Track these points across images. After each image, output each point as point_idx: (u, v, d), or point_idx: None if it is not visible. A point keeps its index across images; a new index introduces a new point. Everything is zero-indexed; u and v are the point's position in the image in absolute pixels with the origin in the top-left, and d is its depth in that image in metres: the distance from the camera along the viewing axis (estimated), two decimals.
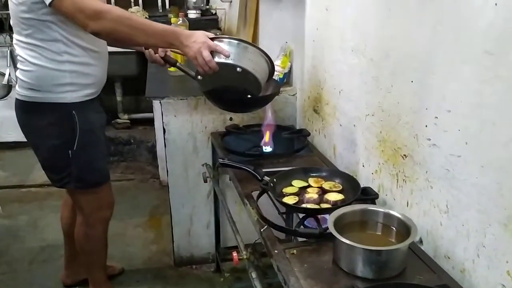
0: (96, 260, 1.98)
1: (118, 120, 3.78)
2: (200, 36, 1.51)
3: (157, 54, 1.79)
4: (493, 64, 0.96)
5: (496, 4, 0.94)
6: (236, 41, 1.57)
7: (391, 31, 1.33)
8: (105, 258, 2.02)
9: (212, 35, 1.56)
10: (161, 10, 3.86)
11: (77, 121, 1.68)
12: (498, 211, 0.98)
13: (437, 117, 1.16)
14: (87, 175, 1.77)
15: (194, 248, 2.31)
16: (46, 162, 1.78)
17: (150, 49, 1.80)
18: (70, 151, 1.70)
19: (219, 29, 3.61)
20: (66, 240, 2.11)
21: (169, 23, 2.56)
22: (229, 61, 1.53)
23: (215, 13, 3.70)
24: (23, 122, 1.73)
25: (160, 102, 2.04)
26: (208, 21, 3.62)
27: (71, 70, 1.64)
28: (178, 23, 2.59)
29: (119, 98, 3.80)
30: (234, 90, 1.61)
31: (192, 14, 3.54)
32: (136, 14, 3.58)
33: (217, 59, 1.52)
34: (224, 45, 1.54)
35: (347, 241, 1.07)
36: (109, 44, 1.77)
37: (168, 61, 1.83)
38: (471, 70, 1.02)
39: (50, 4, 1.49)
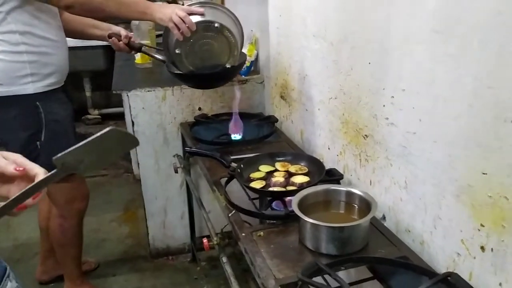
0: (72, 253, 1.98)
1: (89, 116, 3.74)
2: (171, 4, 1.53)
3: (121, 42, 1.79)
4: (442, 43, 0.99)
5: None
6: (207, 4, 1.60)
7: (348, 15, 1.36)
8: (80, 251, 2.02)
9: None
10: None
11: (42, 112, 1.66)
12: (451, 183, 1.03)
13: (393, 97, 1.20)
14: None
15: (170, 239, 2.32)
16: None
17: (113, 38, 1.80)
18: (38, 143, 1.68)
19: None
20: (43, 235, 2.09)
21: None
22: (205, 18, 1.55)
23: (183, 5, 3.68)
24: None
25: (127, 95, 2.04)
26: None
27: (30, 60, 1.62)
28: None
29: (88, 94, 3.75)
30: (213, 56, 1.61)
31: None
32: None
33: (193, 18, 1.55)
34: (195, 7, 1.59)
35: (310, 220, 1.10)
36: (83, 15, 1.76)
37: (133, 47, 1.84)
38: (422, 49, 1.06)
39: None
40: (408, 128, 1.15)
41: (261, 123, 1.98)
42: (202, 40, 1.62)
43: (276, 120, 1.96)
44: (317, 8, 1.55)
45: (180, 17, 1.54)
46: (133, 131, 2.08)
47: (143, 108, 2.07)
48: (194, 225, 2.28)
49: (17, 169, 0.74)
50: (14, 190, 0.73)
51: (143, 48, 1.86)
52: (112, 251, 2.43)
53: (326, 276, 1.07)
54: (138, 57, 2.37)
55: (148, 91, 2.06)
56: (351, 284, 1.20)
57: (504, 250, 0.91)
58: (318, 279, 1.04)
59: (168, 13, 1.54)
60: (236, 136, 1.85)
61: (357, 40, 1.33)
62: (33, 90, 1.64)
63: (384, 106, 1.24)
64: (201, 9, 1.59)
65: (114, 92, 2.07)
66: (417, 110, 1.11)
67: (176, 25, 1.55)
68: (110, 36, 1.83)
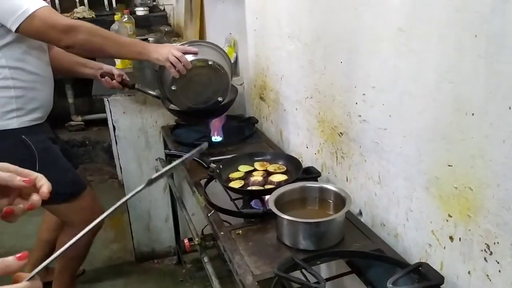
0: (74, 265, 1.97)
1: (71, 123, 3.73)
2: (166, 44, 1.63)
3: (114, 81, 1.83)
4: (405, 40, 1.03)
5: None
6: (198, 43, 1.66)
7: (320, 15, 1.39)
8: (82, 262, 2.01)
9: None
10: (108, 9, 3.81)
11: (31, 143, 1.65)
12: (420, 176, 1.06)
13: (364, 94, 1.23)
14: (59, 189, 1.71)
15: (155, 242, 2.33)
16: None
17: (106, 77, 1.82)
18: None
19: (169, 25, 3.61)
20: (40, 245, 2.07)
21: (114, 21, 2.55)
22: (199, 56, 1.63)
23: (164, 9, 3.70)
24: None
25: (107, 100, 2.04)
26: (156, 18, 3.62)
27: (17, 95, 1.61)
28: (123, 20, 2.58)
29: (70, 100, 3.74)
30: (207, 90, 1.70)
31: (140, 11, 3.52)
32: (82, 14, 3.53)
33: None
34: (190, 47, 1.67)
35: (287, 217, 1.13)
36: (82, 55, 1.81)
37: (127, 85, 1.89)
38: (388, 47, 1.09)
39: (17, 29, 1.50)
40: (379, 124, 1.19)
41: (242, 124, 2.00)
42: (197, 77, 1.69)
43: (256, 121, 1.99)
44: (290, 10, 1.58)
45: (176, 57, 1.61)
46: (115, 136, 2.09)
47: (123, 112, 2.08)
48: (178, 227, 2.29)
49: (26, 180, 0.72)
50: (6, 203, 0.72)
51: (136, 85, 1.91)
52: (97, 257, 2.42)
53: (306, 272, 1.10)
54: (118, 62, 2.38)
55: (129, 95, 2.07)
56: (330, 278, 1.24)
57: (470, 239, 0.94)
58: (297, 275, 1.07)
59: (165, 53, 1.61)
60: (216, 138, 1.87)
61: (329, 40, 1.36)
62: (17, 125, 1.63)
63: (356, 103, 1.27)
64: (195, 49, 1.67)
65: (94, 97, 2.07)
66: (387, 106, 1.14)
67: (172, 64, 1.61)
68: (102, 76, 1.86)
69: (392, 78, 1.09)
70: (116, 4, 3.78)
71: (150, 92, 1.92)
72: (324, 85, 1.44)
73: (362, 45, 1.20)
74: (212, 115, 1.84)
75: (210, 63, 1.67)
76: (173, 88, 1.66)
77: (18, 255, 0.61)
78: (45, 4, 1.55)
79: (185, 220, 2.23)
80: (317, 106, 1.50)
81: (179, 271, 2.27)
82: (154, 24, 3.57)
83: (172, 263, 2.33)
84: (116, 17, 2.53)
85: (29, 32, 1.54)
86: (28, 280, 0.59)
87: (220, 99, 1.74)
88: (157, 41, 3.13)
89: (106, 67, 1.88)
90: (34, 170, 1.49)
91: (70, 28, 1.55)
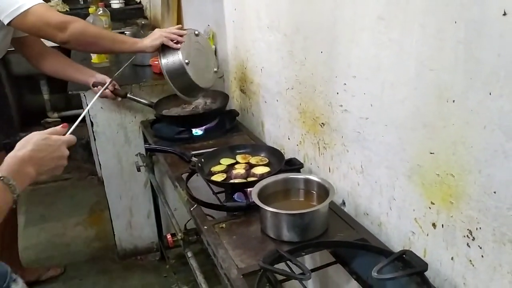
0: None
1: (48, 119, 3.64)
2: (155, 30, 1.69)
3: (107, 90, 1.83)
4: (385, 29, 1.02)
5: None
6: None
7: (299, 6, 1.38)
8: None
9: None
10: (82, 2, 3.72)
11: None
12: (402, 165, 1.06)
13: (345, 84, 1.22)
14: None
15: (137, 239, 2.30)
16: None
17: (99, 86, 1.82)
18: None
19: (145, 17, 3.55)
20: None
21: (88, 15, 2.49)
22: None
23: (140, 2, 3.63)
24: None
25: (84, 95, 1.99)
26: (132, 11, 3.55)
27: None
28: (98, 13, 2.52)
29: (46, 97, 3.65)
30: (208, 63, 1.77)
31: (116, 4, 3.45)
32: (56, 7, 3.44)
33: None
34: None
35: (270, 209, 1.12)
36: (78, 50, 1.92)
37: (119, 94, 1.91)
38: (368, 36, 1.09)
39: (10, 22, 1.53)
40: (361, 113, 1.18)
41: (222, 117, 1.98)
42: (196, 44, 1.74)
43: (237, 114, 1.97)
44: (269, 0, 1.56)
45: (168, 32, 1.67)
46: (93, 132, 2.05)
47: (101, 108, 2.04)
48: (161, 223, 2.26)
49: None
50: None
51: (128, 94, 1.93)
52: (78, 255, 2.38)
53: (291, 263, 1.09)
54: (94, 56, 2.32)
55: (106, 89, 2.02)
56: (315, 269, 1.24)
57: (453, 225, 0.95)
58: (282, 266, 1.06)
59: (157, 35, 1.67)
60: (197, 132, 1.85)
61: (309, 30, 1.35)
62: None
63: (337, 93, 1.27)
64: (183, 31, 1.71)
65: (70, 93, 2.02)
66: (368, 95, 1.14)
67: (169, 39, 1.66)
68: (94, 85, 1.84)
69: (373, 67, 1.09)
70: None
71: (142, 100, 1.95)
72: (304, 76, 1.43)
73: (342, 35, 1.19)
74: (205, 119, 1.86)
75: (196, 32, 1.74)
76: (186, 61, 1.65)
77: (63, 124, 1.06)
78: (40, 1, 1.58)
79: (167, 215, 2.22)
80: (298, 97, 1.49)
81: (162, 267, 2.25)
82: (130, 17, 3.50)
83: (156, 259, 2.30)
84: (91, 10, 2.47)
85: (23, 27, 1.58)
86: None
87: (215, 69, 1.80)
88: (134, 35, 3.08)
89: (99, 76, 1.87)
90: None
91: (65, 24, 1.58)
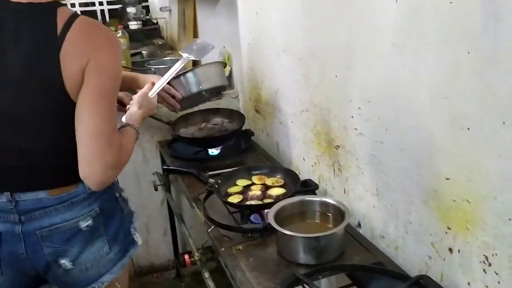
0: None
1: None
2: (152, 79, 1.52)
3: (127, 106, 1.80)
4: (399, 56, 1.05)
5: (396, 1, 1.03)
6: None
7: (314, 32, 1.41)
8: None
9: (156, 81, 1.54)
10: None
11: None
12: (419, 190, 1.08)
13: (360, 108, 1.24)
14: None
15: (153, 256, 2.33)
16: None
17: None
18: None
19: (162, 38, 3.62)
20: None
21: None
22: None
23: (156, 23, 3.71)
24: None
25: None
26: (150, 31, 3.63)
27: None
28: (118, 35, 2.59)
29: None
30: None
31: (133, 25, 3.53)
32: None
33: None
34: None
35: (286, 232, 1.14)
36: None
37: None
38: (382, 62, 1.11)
39: None
40: (376, 137, 1.20)
41: (238, 137, 2.01)
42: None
43: (253, 134, 2.00)
44: (285, 25, 1.59)
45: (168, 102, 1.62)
46: None
47: (138, 138, 2.07)
48: (177, 241, 2.29)
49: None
50: None
51: None
52: None
53: (307, 287, 1.10)
54: None
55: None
56: None
57: (469, 251, 0.96)
58: None
59: (153, 106, 1.48)
60: (213, 152, 1.88)
61: (324, 55, 1.38)
62: None
63: (352, 117, 1.29)
64: (178, 93, 1.63)
65: None
66: (383, 120, 1.16)
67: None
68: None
69: (387, 92, 1.11)
70: (109, 18, 3.80)
71: (162, 119, 1.98)
72: (319, 99, 1.45)
73: (356, 60, 1.22)
74: (221, 140, 1.87)
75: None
76: (200, 88, 1.68)
77: (152, 82, 1.48)
78: None
79: (183, 234, 2.25)
80: (313, 119, 1.52)
81: (178, 285, 2.26)
82: (147, 37, 3.58)
83: (171, 276, 2.32)
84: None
85: None
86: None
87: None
88: (151, 54, 3.16)
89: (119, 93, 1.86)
90: None
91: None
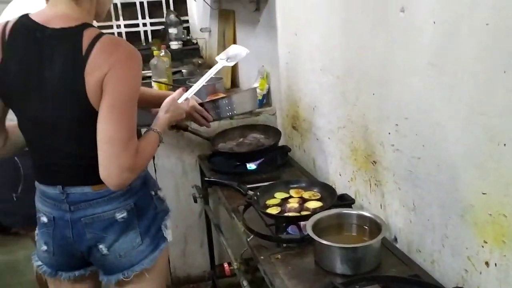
0: None
1: None
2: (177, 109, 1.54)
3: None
4: (436, 74, 1.09)
5: (434, 22, 1.08)
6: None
7: (352, 51, 1.47)
8: None
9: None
10: (144, 44, 4.01)
11: (21, 167, 1.72)
12: (455, 204, 1.10)
13: (397, 125, 1.29)
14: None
15: (190, 267, 2.39)
16: None
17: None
18: (14, 195, 1.74)
19: (201, 57, 3.76)
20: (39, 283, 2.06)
21: (151, 55, 2.70)
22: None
23: (196, 43, 3.86)
24: None
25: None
26: (190, 51, 3.77)
27: None
28: (161, 55, 2.72)
29: None
30: None
31: (174, 45, 3.68)
32: None
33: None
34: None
35: (325, 242, 1.18)
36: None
37: (180, 127, 2.02)
38: (419, 81, 1.15)
39: None
40: (413, 153, 1.24)
41: (275, 152, 2.07)
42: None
43: (289, 150, 2.05)
44: (323, 45, 1.66)
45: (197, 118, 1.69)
46: (154, 164, 2.19)
47: (162, 142, 2.18)
48: (213, 253, 2.35)
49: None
50: None
51: (189, 127, 2.04)
52: None
53: None
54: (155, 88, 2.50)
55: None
56: None
57: (506, 264, 0.98)
58: None
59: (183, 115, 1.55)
60: (251, 166, 1.95)
61: (361, 73, 1.43)
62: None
63: (389, 133, 1.33)
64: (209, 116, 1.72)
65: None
66: (420, 136, 1.19)
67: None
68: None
69: (424, 109, 1.15)
70: (151, 38, 3.98)
71: (201, 134, 2.06)
72: (356, 116, 1.50)
73: (393, 78, 1.27)
74: (259, 155, 1.95)
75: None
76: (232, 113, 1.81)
77: (182, 87, 1.56)
78: None
79: (221, 245, 2.31)
80: (350, 136, 1.56)
81: None
82: (187, 56, 3.72)
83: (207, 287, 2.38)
84: (155, 52, 2.68)
85: None
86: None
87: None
88: (190, 73, 3.28)
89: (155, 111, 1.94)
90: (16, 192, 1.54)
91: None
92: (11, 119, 1.31)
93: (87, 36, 1.13)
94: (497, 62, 0.91)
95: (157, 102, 1.52)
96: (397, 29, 1.21)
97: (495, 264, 1.00)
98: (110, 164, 1.14)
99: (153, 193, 1.36)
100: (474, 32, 0.96)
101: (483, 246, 1.03)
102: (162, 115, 1.40)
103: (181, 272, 2.39)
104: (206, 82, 1.72)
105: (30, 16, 1.17)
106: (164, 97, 1.52)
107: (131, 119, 1.17)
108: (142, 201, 1.31)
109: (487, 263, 1.03)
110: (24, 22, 1.17)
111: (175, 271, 2.38)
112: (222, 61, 1.73)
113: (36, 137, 1.25)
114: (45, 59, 1.14)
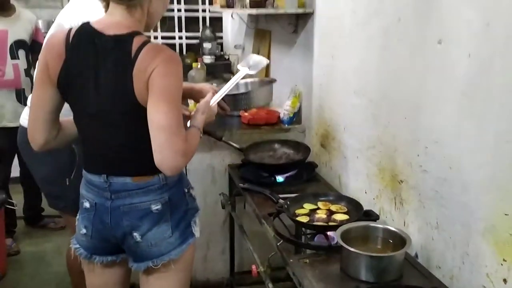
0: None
1: None
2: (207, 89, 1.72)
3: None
4: (467, 103, 1.19)
5: (469, 55, 1.19)
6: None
7: (387, 76, 1.58)
8: None
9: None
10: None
11: (77, 154, 1.83)
12: (477, 223, 1.19)
13: (427, 147, 1.38)
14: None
15: (210, 273, 2.48)
16: (45, 188, 1.98)
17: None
18: (67, 179, 1.86)
19: (231, 72, 3.92)
20: (69, 268, 2.16)
21: (189, 66, 2.86)
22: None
23: (228, 58, 4.02)
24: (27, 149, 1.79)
25: None
26: (221, 66, 3.93)
27: None
28: (198, 67, 2.87)
29: None
30: None
31: (207, 59, 3.85)
32: None
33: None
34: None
35: (353, 249, 1.27)
36: None
37: (215, 136, 2.12)
38: (452, 108, 1.26)
39: None
40: (439, 174, 1.33)
41: (302, 167, 2.18)
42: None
43: (316, 166, 2.16)
44: (358, 69, 1.78)
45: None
46: (186, 169, 2.31)
47: (201, 137, 2.30)
48: (234, 260, 2.44)
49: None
50: None
51: (223, 138, 2.14)
52: None
53: None
54: (191, 104, 2.63)
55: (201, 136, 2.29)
56: None
57: None
58: None
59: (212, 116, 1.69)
60: (279, 178, 2.05)
61: (394, 97, 1.54)
62: None
63: (418, 155, 1.43)
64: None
65: None
66: (447, 159, 1.29)
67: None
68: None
69: (454, 134, 1.25)
70: (186, 51, 4.16)
71: (234, 145, 2.18)
72: (387, 137, 1.60)
73: (426, 104, 1.37)
74: (287, 168, 2.07)
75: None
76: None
77: (213, 91, 1.67)
78: None
79: (240, 253, 2.41)
80: (379, 156, 1.66)
81: None
82: (218, 71, 3.88)
83: None
84: (194, 64, 2.84)
85: None
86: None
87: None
88: (220, 87, 3.42)
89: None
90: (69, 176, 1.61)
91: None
92: (64, 115, 1.45)
93: (136, 42, 1.27)
94: None
95: (189, 93, 1.70)
96: (433, 59, 1.32)
97: None
98: (163, 149, 1.24)
99: (186, 190, 1.48)
100: (506, 67, 1.07)
101: (502, 264, 1.12)
102: (200, 116, 1.49)
103: (200, 277, 2.48)
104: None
105: (91, 23, 1.33)
106: (193, 89, 1.70)
107: (178, 110, 1.29)
108: (176, 196, 1.42)
109: (505, 280, 1.11)
110: (86, 29, 1.32)
111: (195, 275, 2.47)
112: (244, 69, 1.85)
113: (88, 130, 1.39)
114: (100, 61, 1.29)
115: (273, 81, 2.20)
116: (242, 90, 2.16)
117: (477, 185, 1.18)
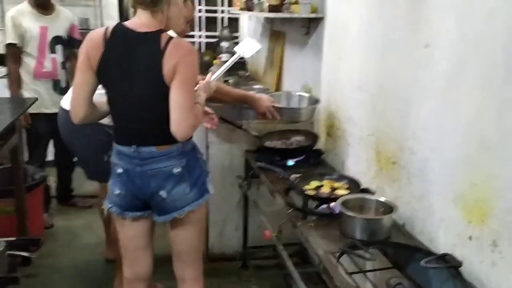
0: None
1: None
2: (265, 100, 2.31)
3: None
4: (447, 97, 1.48)
5: (449, 58, 1.47)
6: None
7: (384, 74, 1.87)
8: None
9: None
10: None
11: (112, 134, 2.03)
12: (450, 193, 1.48)
13: (414, 133, 1.67)
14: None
15: (225, 246, 2.78)
16: (85, 163, 2.33)
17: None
18: (106, 156, 2.05)
19: (246, 70, 4.21)
20: (105, 224, 2.60)
21: (207, 63, 3.16)
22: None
23: (243, 57, 4.32)
24: (71, 129, 2.17)
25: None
26: (237, 64, 4.12)
27: None
28: (218, 63, 3.17)
29: None
30: None
31: (224, 57, 4.14)
32: None
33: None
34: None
35: (350, 213, 1.57)
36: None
37: (235, 125, 2.47)
38: (435, 101, 1.54)
39: None
40: (424, 155, 1.62)
41: (310, 154, 2.47)
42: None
43: (323, 153, 2.45)
44: (363, 68, 2.06)
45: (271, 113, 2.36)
46: (208, 153, 2.61)
47: (216, 136, 2.61)
48: (247, 236, 2.74)
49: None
50: None
51: (242, 126, 2.49)
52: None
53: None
54: None
55: (221, 122, 2.60)
56: (374, 270, 1.64)
57: (483, 237, 1.34)
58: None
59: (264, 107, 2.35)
60: (290, 162, 2.35)
61: (389, 91, 1.83)
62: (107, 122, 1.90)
63: (407, 140, 1.71)
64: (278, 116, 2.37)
65: None
66: (430, 142, 1.58)
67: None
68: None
69: (436, 122, 1.54)
70: (205, 49, 4.47)
71: (253, 133, 2.49)
72: (383, 126, 1.89)
73: (414, 98, 1.66)
74: (297, 153, 2.39)
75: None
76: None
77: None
78: None
79: (252, 230, 2.70)
80: (376, 142, 1.95)
81: (243, 272, 2.69)
82: (234, 69, 4.16)
83: (238, 266, 2.76)
84: (215, 61, 3.14)
85: None
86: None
87: None
88: (236, 83, 3.72)
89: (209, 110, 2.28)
90: (109, 155, 1.88)
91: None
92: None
93: (163, 37, 1.59)
94: (486, 88, 1.30)
95: (242, 99, 2.23)
96: (421, 60, 1.61)
97: (476, 238, 1.37)
98: (181, 122, 1.57)
99: (199, 156, 1.77)
100: (475, 69, 1.35)
101: (468, 225, 1.40)
102: (202, 94, 1.80)
103: (217, 250, 2.79)
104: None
105: (123, 23, 1.64)
106: (245, 96, 2.21)
107: (193, 93, 1.65)
108: (192, 161, 1.70)
109: (470, 237, 1.39)
110: (120, 27, 1.64)
111: (212, 248, 2.78)
112: (240, 52, 2.22)
113: (121, 109, 1.68)
114: (134, 52, 1.60)
115: (318, 101, 2.49)
116: (295, 105, 2.56)
117: (453, 162, 1.47)
